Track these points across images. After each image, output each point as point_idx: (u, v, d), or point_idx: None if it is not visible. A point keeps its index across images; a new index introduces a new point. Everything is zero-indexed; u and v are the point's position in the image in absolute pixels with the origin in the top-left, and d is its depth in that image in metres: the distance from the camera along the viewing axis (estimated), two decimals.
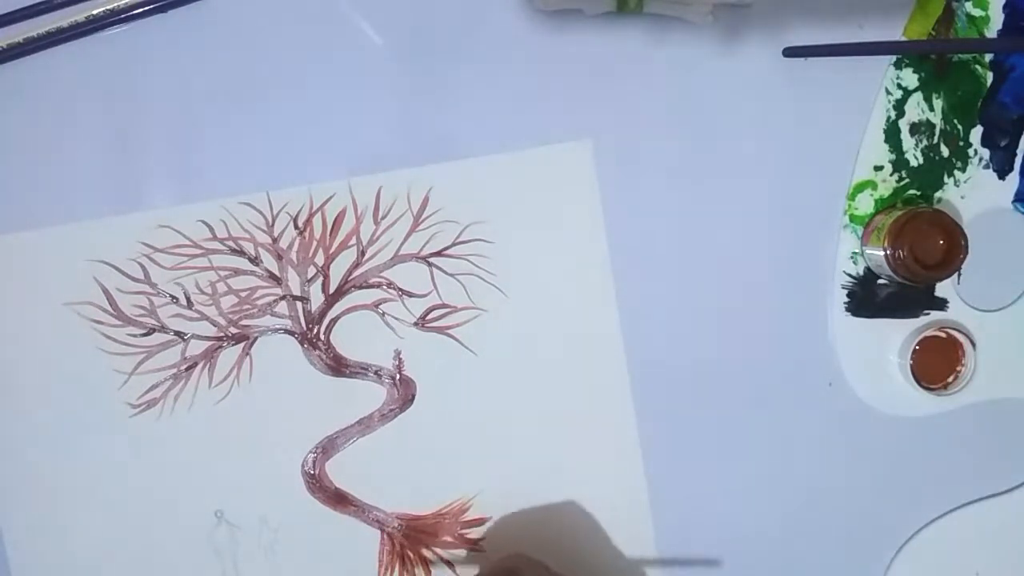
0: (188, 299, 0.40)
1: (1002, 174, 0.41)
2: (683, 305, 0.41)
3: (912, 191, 0.42)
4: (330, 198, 0.40)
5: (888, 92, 0.41)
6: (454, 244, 0.41)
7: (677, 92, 0.41)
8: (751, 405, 0.42)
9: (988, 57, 0.41)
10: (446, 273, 0.41)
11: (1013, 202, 0.42)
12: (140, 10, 0.40)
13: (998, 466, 0.43)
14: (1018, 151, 0.42)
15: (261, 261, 0.41)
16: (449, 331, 0.41)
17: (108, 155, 0.40)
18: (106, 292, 0.40)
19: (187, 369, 0.41)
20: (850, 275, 0.42)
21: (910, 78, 0.41)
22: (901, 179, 0.41)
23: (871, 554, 0.43)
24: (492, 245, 0.41)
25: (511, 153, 0.41)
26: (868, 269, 0.42)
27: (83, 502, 0.41)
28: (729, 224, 0.41)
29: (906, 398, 0.42)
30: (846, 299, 0.42)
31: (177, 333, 0.41)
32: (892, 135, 0.41)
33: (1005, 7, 0.41)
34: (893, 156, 0.41)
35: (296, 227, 0.40)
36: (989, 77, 0.41)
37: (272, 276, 0.41)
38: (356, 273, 0.41)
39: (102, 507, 0.41)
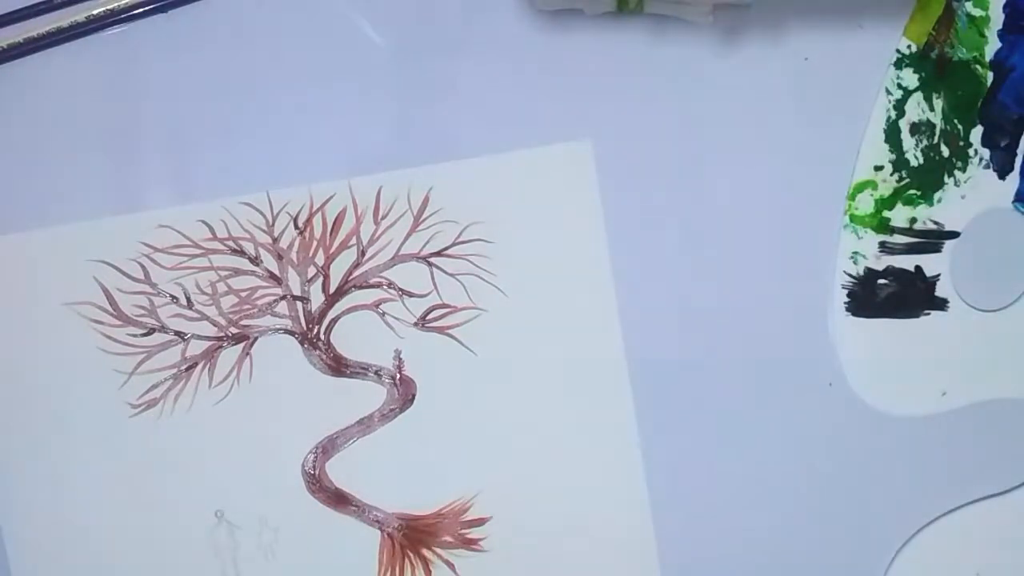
0: (188, 299, 0.40)
1: (1002, 174, 0.41)
2: (683, 305, 0.41)
3: (912, 191, 0.42)
4: (330, 198, 0.40)
5: (888, 92, 0.41)
6: (454, 244, 0.41)
7: (677, 92, 0.41)
8: (751, 405, 0.42)
9: (988, 57, 0.41)
10: (446, 273, 0.41)
11: (1013, 202, 0.42)
12: (140, 10, 0.40)
13: (998, 466, 0.43)
14: (1018, 151, 0.41)
15: (261, 261, 0.41)
16: (449, 331, 0.41)
17: (108, 155, 0.40)
18: (106, 292, 0.40)
19: (187, 369, 0.41)
20: (850, 275, 0.42)
21: (910, 78, 0.41)
22: (901, 179, 0.41)
23: (871, 554, 0.43)
24: (492, 245, 0.41)
25: (511, 153, 0.41)
26: (868, 269, 0.42)
27: (83, 502, 0.41)
28: (729, 223, 0.41)
29: (906, 398, 0.42)
30: (846, 299, 0.42)
31: (177, 333, 0.41)
32: (892, 135, 0.41)
33: (1005, 7, 0.41)
34: (893, 156, 0.41)
35: (296, 227, 0.40)
36: (989, 77, 0.41)
37: (272, 276, 0.41)
38: (356, 273, 0.41)
39: (102, 507, 0.41)
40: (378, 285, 0.41)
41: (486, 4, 0.40)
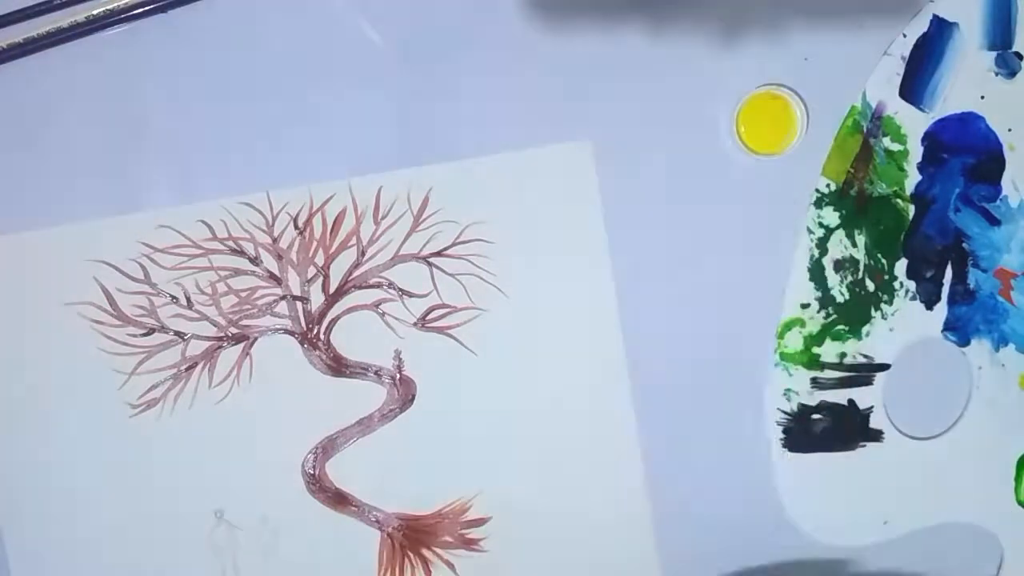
0: (188, 299, 0.40)
1: (929, 305, 0.41)
2: (683, 305, 0.41)
3: (840, 326, 0.41)
4: (330, 198, 0.40)
5: (810, 231, 0.41)
6: (454, 244, 0.41)
7: (677, 92, 0.41)
8: (751, 404, 0.42)
9: (909, 190, 0.41)
10: (446, 273, 0.41)
11: (943, 331, 0.41)
12: (140, 10, 0.40)
13: None
14: (944, 281, 0.41)
15: (261, 261, 0.41)
16: (449, 331, 0.41)
17: (108, 155, 0.40)
18: (106, 292, 0.40)
19: (187, 369, 0.41)
20: (784, 412, 0.41)
21: (831, 216, 0.41)
22: (828, 315, 0.41)
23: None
24: (492, 245, 0.41)
25: (511, 153, 0.41)
26: (802, 405, 0.41)
27: (83, 502, 0.41)
28: (729, 223, 0.41)
29: (849, 529, 0.41)
30: (782, 436, 0.41)
31: (177, 333, 0.41)
32: (816, 273, 0.41)
33: (924, 139, 0.41)
34: (819, 293, 0.41)
35: (296, 227, 0.40)
36: (911, 210, 0.41)
37: (272, 276, 0.41)
38: (356, 273, 0.41)
39: (102, 507, 0.41)
40: (378, 285, 0.41)
41: (486, 4, 0.40)
